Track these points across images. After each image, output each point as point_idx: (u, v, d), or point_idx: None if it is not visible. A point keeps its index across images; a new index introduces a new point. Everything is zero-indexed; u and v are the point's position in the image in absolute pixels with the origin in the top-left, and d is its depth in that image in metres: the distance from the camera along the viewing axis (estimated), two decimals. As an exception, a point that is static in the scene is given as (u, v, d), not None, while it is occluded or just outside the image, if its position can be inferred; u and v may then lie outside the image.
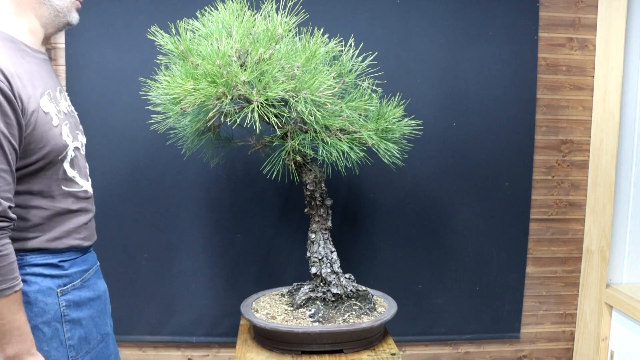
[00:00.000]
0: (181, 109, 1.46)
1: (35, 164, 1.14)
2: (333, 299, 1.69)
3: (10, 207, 1.08)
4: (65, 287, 1.22)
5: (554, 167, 2.34)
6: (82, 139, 1.32)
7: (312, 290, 1.72)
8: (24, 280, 1.16)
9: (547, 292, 2.41)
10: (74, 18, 1.24)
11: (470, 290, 2.33)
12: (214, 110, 1.45)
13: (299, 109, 1.44)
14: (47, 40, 1.26)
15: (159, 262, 2.21)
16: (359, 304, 1.71)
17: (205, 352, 2.29)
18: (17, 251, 1.14)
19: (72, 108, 1.32)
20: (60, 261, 1.22)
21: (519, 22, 2.23)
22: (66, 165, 1.21)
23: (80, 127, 1.34)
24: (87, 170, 1.34)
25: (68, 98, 1.32)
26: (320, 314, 1.64)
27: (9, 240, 1.08)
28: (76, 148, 1.25)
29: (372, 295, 1.76)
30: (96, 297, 1.34)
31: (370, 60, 1.66)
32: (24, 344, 1.10)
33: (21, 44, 1.15)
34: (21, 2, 1.15)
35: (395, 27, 2.18)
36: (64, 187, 1.21)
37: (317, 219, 1.72)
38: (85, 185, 1.30)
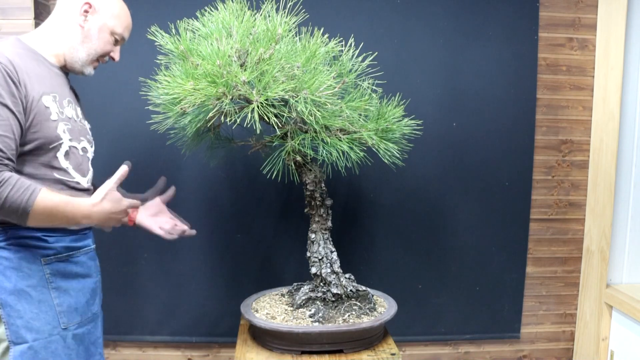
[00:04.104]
0: (181, 109, 1.46)
1: (25, 146, 1.29)
2: (333, 299, 1.69)
3: (8, 165, 1.22)
4: (48, 258, 1.34)
5: (554, 167, 2.34)
6: (87, 145, 1.46)
7: (312, 290, 1.72)
8: (8, 248, 1.29)
9: (547, 292, 2.41)
10: (87, 71, 1.47)
11: (470, 290, 2.33)
12: (214, 110, 1.45)
13: (299, 109, 1.44)
14: (64, 69, 1.46)
15: (159, 262, 2.21)
16: (359, 304, 1.71)
17: (205, 352, 2.29)
18: (4, 224, 1.28)
19: (82, 119, 1.48)
20: (43, 235, 1.33)
21: (519, 22, 2.23)
22: (59, 155, 1.35)
23: (89, 137, 1.49)
24: (90, 173, 1.47)
25: (79, 110, 1.48)
26: (320, 314, 1.64)
27: (7, 170, 1.21)
28: (75, 147, 1.39)
29: (372, 295, 1.76)
30: (86, 274, 1.44)
31: (370, 60, 1.66)
32: (80, 207, 1.28)
33: (41, 57, 1.38)
34: (61, 38, 1.40)
35: (395, 27, 2.18)
36: (55, 174, 1.35)
37: (317, 219, 1.72)
38: (79, 179, 1.42)
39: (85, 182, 1.44)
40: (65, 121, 1.37)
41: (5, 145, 1.21)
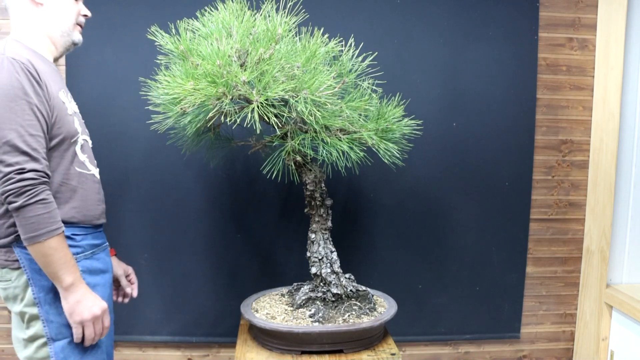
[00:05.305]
0: (181, 109, 1.46)
1: (51, 141, 1.35)
2: (333, 299, 1.69)
3: (47, 166, 1.30)
4: (77, 256, 1.39)
5: (554, 167, 2.34)
6: (88, 138, 1.51)
7: (312, 290, 1.72)
8: None
9: (547, 292, 2.41)
10: (77, 37, 1.50)
11: (470, 290, 2.33)
12: (214, 110, 1.45)
13: (299, 109, 1.44)
14: (56, 60, 1.50)
15: (159, 262, 2.21)
16: (359, 304, 1.71)
17: (205, 352, 2.29)
18: None
19: (78, 111, 1.50)
20: (72, 234, 1.39)
21: (519, 22, 2.23)
22: (77, 149, 1.42)
23: (86, 129, 1.51)
24: (95, 163, 1.52)
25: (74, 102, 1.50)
26: (320, 314, 1.64)
27: (50, 192, 1.29)
28: (85, 140, 1.46)
29: (372, 295, 1.76)
30: (106, 269, 1.51)
31: (370, 60, 1.66)
32: (76, 274, 1.32)
33: (40, 55, 1.42)
34: (36, 26, 1.43)
35: (395, 27, 2.18)
36: (76, 168, 1.41)
37: (317, 219, 1.72)
38: (93, 170, 1.48)
39: (97, 173, 1.50)
40: (76, 115, 1.43)
41: (40, 145, 1.28)
